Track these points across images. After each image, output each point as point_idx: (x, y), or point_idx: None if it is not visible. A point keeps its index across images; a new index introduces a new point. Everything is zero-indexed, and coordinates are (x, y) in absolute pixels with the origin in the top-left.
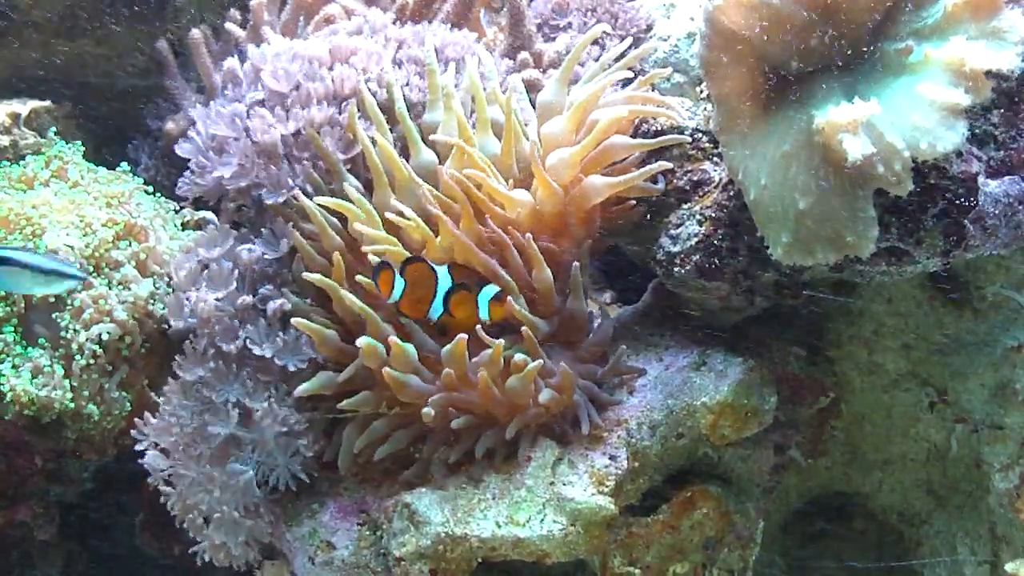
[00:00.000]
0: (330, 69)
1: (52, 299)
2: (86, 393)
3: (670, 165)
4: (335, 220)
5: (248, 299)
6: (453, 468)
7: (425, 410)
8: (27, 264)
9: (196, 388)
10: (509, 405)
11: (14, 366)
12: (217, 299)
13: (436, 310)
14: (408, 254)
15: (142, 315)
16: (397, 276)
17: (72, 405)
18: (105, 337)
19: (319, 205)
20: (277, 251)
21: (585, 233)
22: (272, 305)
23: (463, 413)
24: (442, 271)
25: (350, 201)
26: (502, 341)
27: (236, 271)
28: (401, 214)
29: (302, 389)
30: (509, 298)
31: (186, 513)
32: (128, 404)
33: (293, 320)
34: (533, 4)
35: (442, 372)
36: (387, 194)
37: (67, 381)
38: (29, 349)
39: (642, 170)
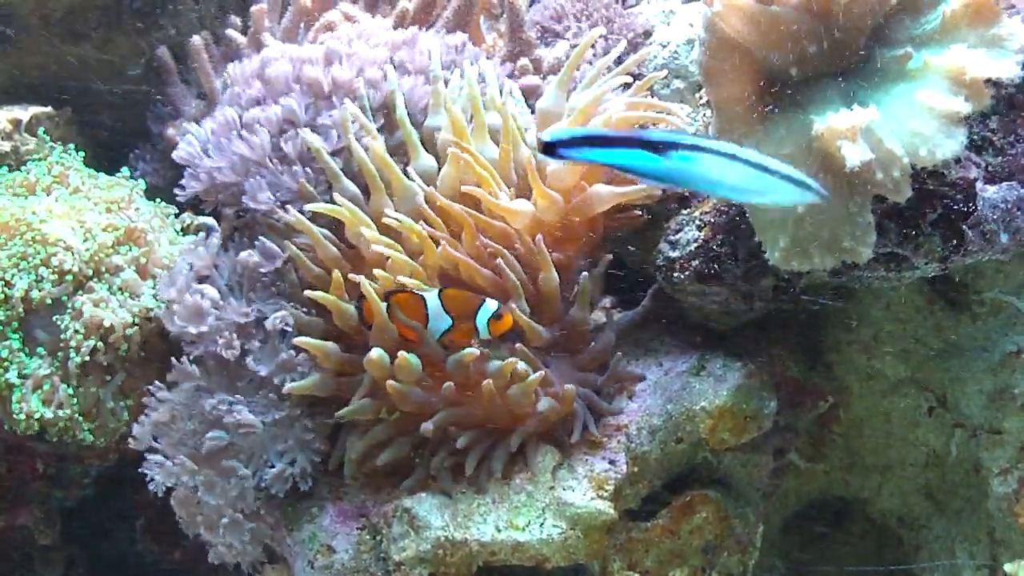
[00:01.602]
0: (330, 69)
1: (50, 301)
2: (85, 403)
3: None
4: (328, 232)
5: (247, 311)
6: (455, 473)
7: (424, 425)
8: (764, 167)
9: (196, 394)
10: (508, 414)
11: (20, 377)
12: (214, 310)
13: (434, 335)
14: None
15: (142, 319)
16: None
17: (81, 427)
18: (107, 324)
19: (313, 212)
20: (275, 262)
21: (590, 241)
22: (272, 320)
23: (464, 426)
24: (430, 299)
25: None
26: (513, 359)
27: (233, 280)
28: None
29: (292, 387)
30: (511, 303)
31: (188, 520)
32: (126, 414)
33: (295, 340)
34: (532, 10)
35: (444, 380)
36: (383, 199)
37: (74, 401)
38: (30, 359)
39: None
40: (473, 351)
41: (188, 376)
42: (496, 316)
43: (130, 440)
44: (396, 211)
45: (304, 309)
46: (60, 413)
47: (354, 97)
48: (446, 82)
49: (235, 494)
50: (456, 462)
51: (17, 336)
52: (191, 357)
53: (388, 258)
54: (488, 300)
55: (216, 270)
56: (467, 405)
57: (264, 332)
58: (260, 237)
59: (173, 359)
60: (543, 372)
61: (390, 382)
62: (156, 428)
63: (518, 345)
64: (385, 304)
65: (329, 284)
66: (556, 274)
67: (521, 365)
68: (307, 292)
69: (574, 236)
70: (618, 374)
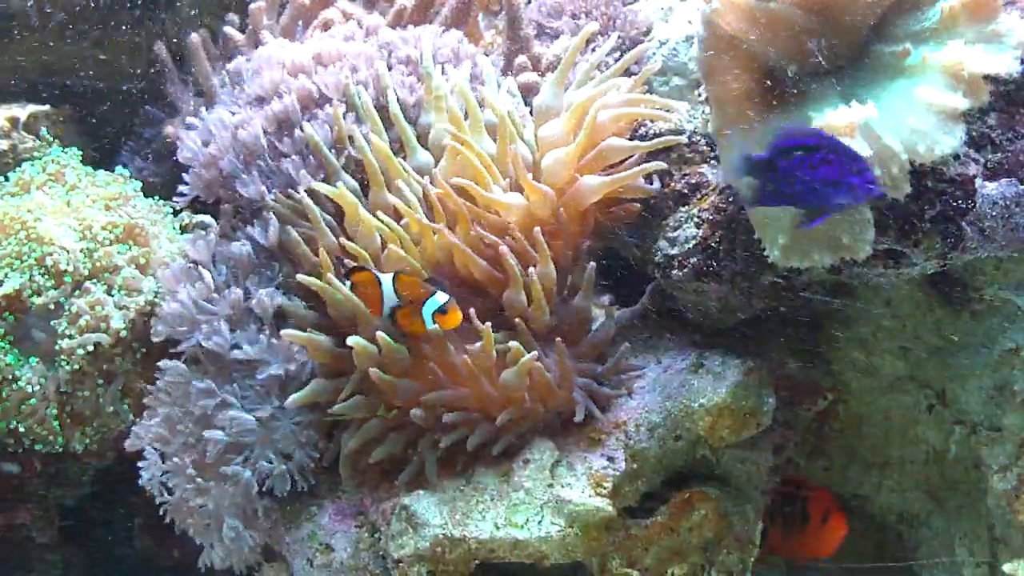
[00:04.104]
0: (323, 68)
1: (44, 300)
2: (81, 406)
3: (664, 165)
4: (330, 218)
5: (242, 302)
6: (449, 469)
7: (414, 411)
8: None
9: (191, 394)
10: (503, 399)
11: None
12: (203, 301)
13: (385, 319)
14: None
15: (140, 318)
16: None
17: (60, 443)
18: (91, 348)
19: (315, 192)
20: (266, 239)
21: (579, 233)
22: (262, 303)
23: (456, 410)
24: (385, 281)
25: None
26: (488, 324)
27: (230, 274)
28: (396, 208)
29: (294, 399)
30: (509, 291)
31: (185, 518)
32: (130, 416)
33: (283, 332)
34: (530, 7)
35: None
36: (383, 194)
37: (56, 422)
38: (21, 368)
39: (635, 169)
40: (436, 328)
41: (182, 375)
42: (441, 311)
43: (127, 444)
44: (394, 207)
45: (302, 303)
46: (42, 431)
47: (345, 97)
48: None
49: (233, 495)
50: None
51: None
52: (184, 354)
53: (385, 251)
54: (439, 293)
55: (213, 265)
56: (460, 392)
57: (259, 322)
58: (269, 218)
59: (164, 360)
60: (536, 353)
61: (374, 371)
62: (153, 431)
63: (518, 321)
64: (348, 284)
65: (326, 284)
66: (553, 267)
67: (513, 344)
68: (299, 276)
69: (566, 231)
70: (620, 365)
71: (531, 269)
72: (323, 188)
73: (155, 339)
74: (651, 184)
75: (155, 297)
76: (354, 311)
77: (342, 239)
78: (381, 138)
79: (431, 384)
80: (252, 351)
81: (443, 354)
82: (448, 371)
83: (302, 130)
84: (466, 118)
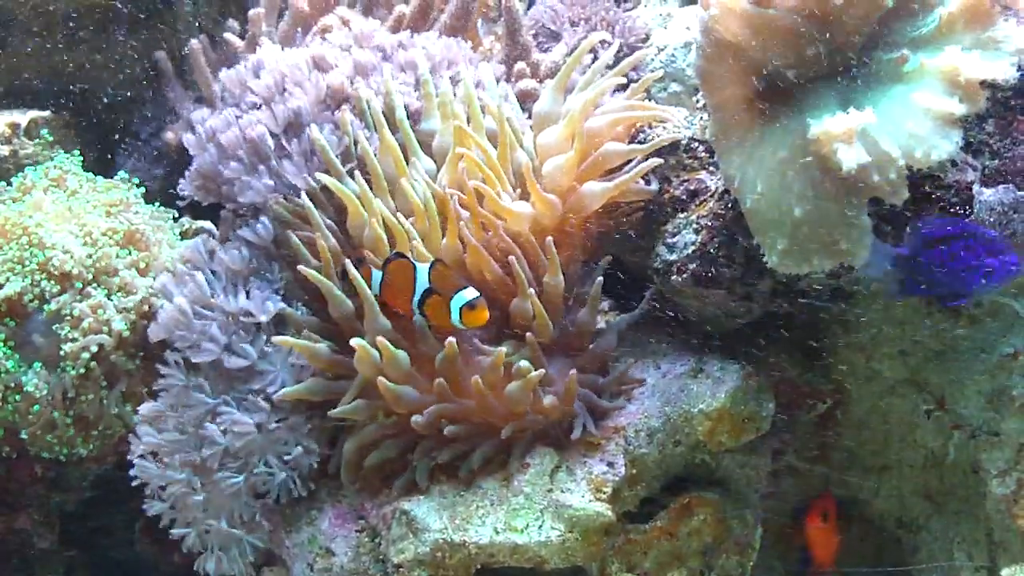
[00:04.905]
0: (322, 73)
1: (47, 307)
2: (85, 410)
3: (660, 160)
4: (331, 222)
5: (240, 307)
6: (450, 474)
7: (415, 418)
8: None
9: (188, 398)
10: (506, 413)
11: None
12: (200, 307)
13: (414, 308)
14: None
15: (141, 320)
16: (374, 270)
17: (66, 450)
18: (94, 349)
19: (323, 187)
20: (256, 237)
21: (584, 241)
22: (262, 308)
23: (458, 422)
24: (421, 269)
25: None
26: (503, 349)
27: (223, 277)
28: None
29: (283, 393)
30: (514, 302)
31: (182, 524)
32: (133, 417)
33: (275, 339)
34: (529, 13)
35: (436, 379)
36: (387, 201)
37: (68, 424)
38: (25, 374)
39: (633, 170)
40: (452, 341)
41: (179, 380)
42: (470, 306)
43: (130, 456)
44: (398, 210)
45: (301, 309)
46: (49, 438)
47: (350, 101)
48: (436, 86)
49: (230, 500)
50: (444, 459)
51: (2, 344)
52: (183, 358)
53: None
54: (469, 288)
55: (212, 272)
56: (463, 404)
57: (257, 327)
58: (260, 219)
59: (165, 358)
60: (544, 371)
61: (381, 379)
62: (149, 437)
63: (528, 335)
64: (381, 273)
65: (328, 280)
66: (562, 277)
67: (523, 363)
68: (300, 268)
69: (570, 239)
70: (622, 378)
71: (531, 291)
72: (331, 182)
73: (153, 341)
74: (649, 185)
75: (150, 295)
76: (363, 303)
77: (372, 220)
78: (388, 140)
79: (434, 392)
80: (248, 358)
81: (450, 364)
82: (452, 381)
83: (309, 133)
84: (468, 123)
